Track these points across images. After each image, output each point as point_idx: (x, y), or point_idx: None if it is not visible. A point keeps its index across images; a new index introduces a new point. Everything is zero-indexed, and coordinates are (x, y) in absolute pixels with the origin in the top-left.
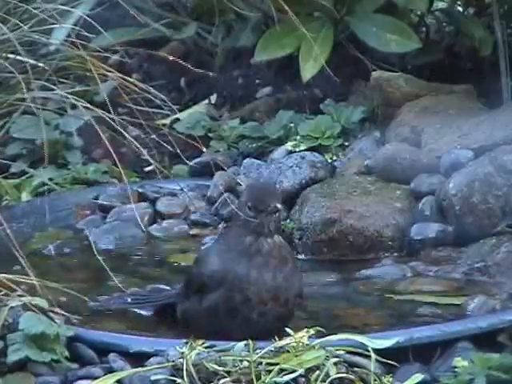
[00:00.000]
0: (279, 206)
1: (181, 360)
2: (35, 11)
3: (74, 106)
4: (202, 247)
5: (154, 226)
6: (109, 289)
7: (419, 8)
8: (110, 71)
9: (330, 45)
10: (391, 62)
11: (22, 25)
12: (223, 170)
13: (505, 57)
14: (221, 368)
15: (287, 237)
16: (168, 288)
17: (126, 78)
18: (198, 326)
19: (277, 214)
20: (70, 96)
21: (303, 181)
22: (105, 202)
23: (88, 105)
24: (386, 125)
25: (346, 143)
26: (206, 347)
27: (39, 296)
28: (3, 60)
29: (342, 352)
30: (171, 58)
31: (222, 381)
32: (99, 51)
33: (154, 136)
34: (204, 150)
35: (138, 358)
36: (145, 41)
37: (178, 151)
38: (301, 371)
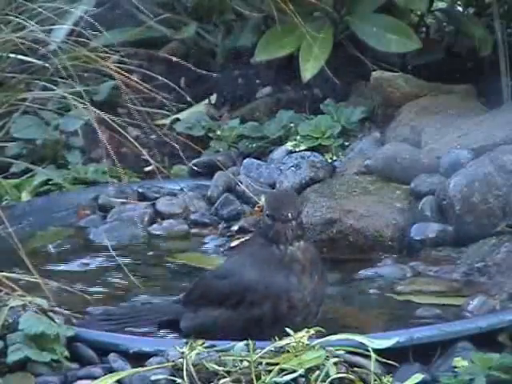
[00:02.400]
0: (290, 215)
1: (181, 360)
2: (39, 9)
3: (74, 106)
4: (225, 259)
5: (154, 225)
6: (108, 285)
7: (419, 8)
8: (115, 71)
9: (330, 45)
10: (391, 61)
11: (25, 23)
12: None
13: (505, 57)
14: (221, 368)
15: None
16: (150, 302)
17: (129, 77)
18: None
19: (293, 223)
20: (70, 96)
21: (303, 181)
22: (105, 202)
23: (88, 105)
24: (386, 125)
25: (346, 143)
26: (205, 347)
27: (39, 296)
28: (4, 60)
29: (342, 352)
30: (172, 58)
31: (222, 381)
32: (99, 51)
33: (153, 136)
34: (202, 151)
35: (138, 358)
36: (145, 41)
37: (178, 151)
38: (301, 371)
